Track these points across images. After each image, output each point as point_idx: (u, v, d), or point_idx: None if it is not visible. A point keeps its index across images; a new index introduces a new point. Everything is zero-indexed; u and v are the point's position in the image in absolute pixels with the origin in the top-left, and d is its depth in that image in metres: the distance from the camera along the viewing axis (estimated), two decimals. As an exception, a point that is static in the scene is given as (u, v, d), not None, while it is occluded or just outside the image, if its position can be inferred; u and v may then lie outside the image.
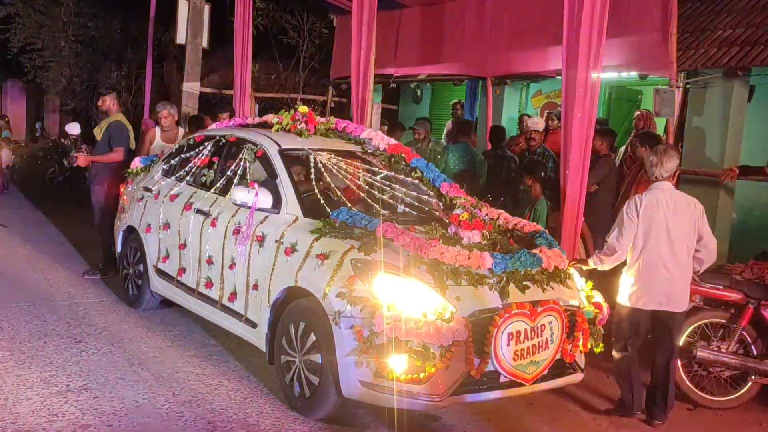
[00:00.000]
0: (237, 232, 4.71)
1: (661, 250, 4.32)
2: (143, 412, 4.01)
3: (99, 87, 15.56)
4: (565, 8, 5.07)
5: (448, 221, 4.49)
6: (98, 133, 6.94)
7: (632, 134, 7.83)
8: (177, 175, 5.73)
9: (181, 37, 10.50)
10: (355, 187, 5.00)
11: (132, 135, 7.03)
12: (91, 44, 14.82)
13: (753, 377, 4.80)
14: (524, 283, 3.94)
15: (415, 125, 8.41)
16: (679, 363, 4.84)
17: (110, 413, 3.96)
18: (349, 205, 4.72)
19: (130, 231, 6.10)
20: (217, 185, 5.21)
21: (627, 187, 6.71)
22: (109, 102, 7.02)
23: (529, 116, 8.30)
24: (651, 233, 4.32)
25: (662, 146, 4.67)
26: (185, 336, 5.37)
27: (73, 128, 7.32)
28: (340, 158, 5.03)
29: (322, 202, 4.61)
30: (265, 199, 4.63)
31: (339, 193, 4.91)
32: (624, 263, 4.47)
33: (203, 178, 5.40)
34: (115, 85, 9.54)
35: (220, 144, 5.50)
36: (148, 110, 11.52)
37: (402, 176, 5.13)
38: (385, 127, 9.38)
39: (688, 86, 7.17)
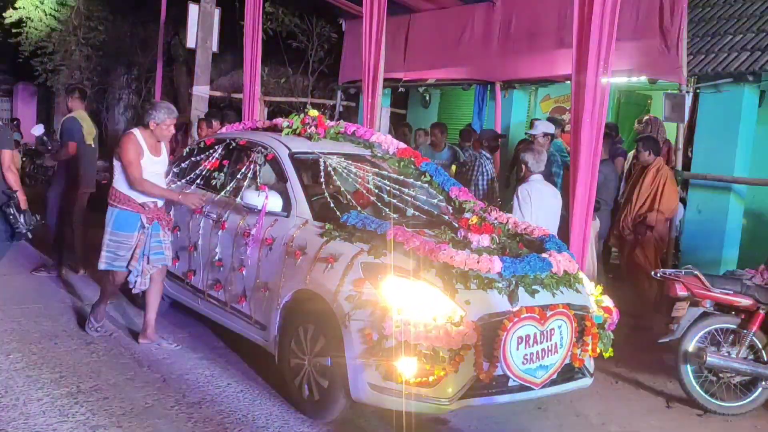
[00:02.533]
0: (247, 234, 4.73)
1: (546, 227, 5.03)
2: (153, 414, 4.03)
3: (110, 90, 15.71)
4: (575, 13, 5.07)
5: (457, 225, 4.49)
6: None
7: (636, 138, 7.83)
8: (187, 178, 5.76)
9: (191, 41, 10.57)
10: (364, 191, 5.01)
11: (89, 129, 6.88)
12: (102, 48, 14.92)
13: (763, 383, 4.77)
14: (533, 287, 3.94)
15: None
16: (688, 368, 4.83)
17: (120, 414, 3.98)
18: (359, 208, 4.74)
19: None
20: (228, 188, 5.23)
21: (630, 190, 6.72)
22: (70, 102, 7.00)
23: (538, 119, 8.32)
24: (540, 214, 5.24)
25: (537, 147, 5.73)
26: (194, 338, 5.39)
27: (37, 129, 7.06)
28: (350, 162, 5.04)
29: (332, 205, 4.62)
30: (275, 202, 4.64)
31: (349, 196, 4.93)
32: None
33: (213, 181, 5.42)
34: (78, 84, 9.52)
35: (231, 147, 5.52)
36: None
37: (411, 180, 5.14)
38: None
39: (698, 91, 7.16)
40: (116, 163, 4.97)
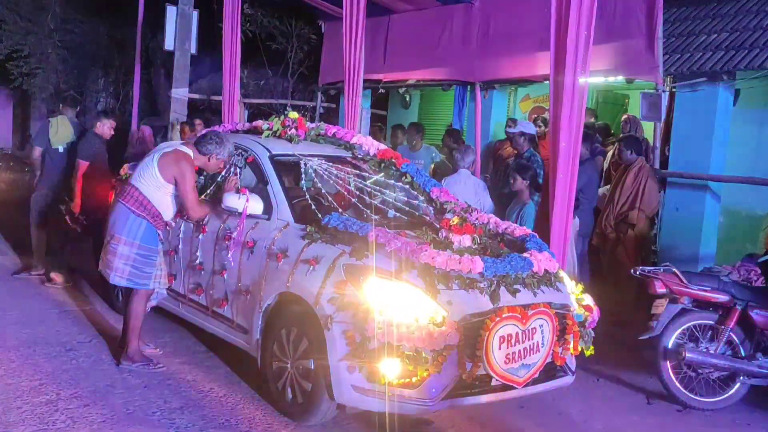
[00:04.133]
0: (228, 238, 4.71)
1: None
2: (134, 420, 3.99)
3: (86, 93, 15.53)
4: (553, 14, 5.11)
5: (438, 226, 4.51)
6: None
7: (618, 138, 7.91)
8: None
9: (169, 43, 10.50)
10: (345, 193, 5.01)
11: (62, 135, 6.96)
12: (78, 50, 14.76)
13: (741, 378, 4.84)
14: (515, 286, 3.96)
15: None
16: (668, 364, 4.89)
17: (101, 421, 3.94)
18: (340, 210, 4.73)
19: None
20: (208, 191, 5.20)
21: (612, 190, 6.78)
22: (62, 107, 7.57)
23: (515, 120, 8.37)
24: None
25: (464, 146, 6.47)
26: (176, 343, 5.35)
27: None
28: (331, 164, 5.04)
29: (313, 207, 4.62)
30: (256, 205, 4.63)
31: (330, 198, 4.92)
32: None
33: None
34: (70, 92, 9.78)
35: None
36: (137, 117, 11.49)
37: (392, 181, 5.15)
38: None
39: (674, 90, 7.25)
40: (158, 176, 4.63)
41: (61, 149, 6.99)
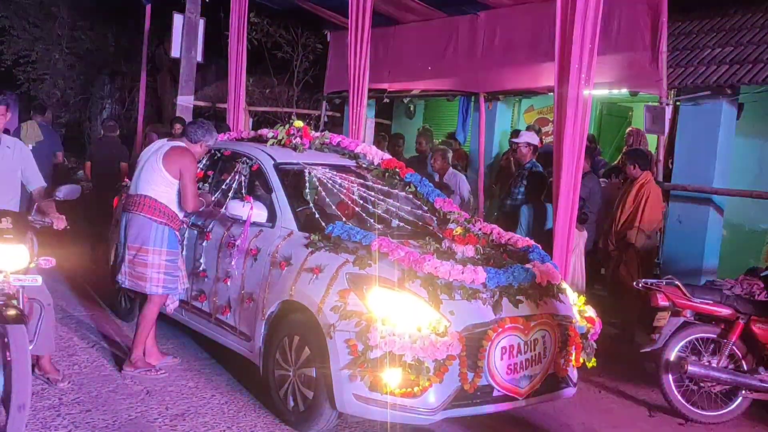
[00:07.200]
0: (231, 245, 4.72)
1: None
2: (136, 426, 4.00)
3: (92, 100, 15.61)
4: (557, 26, 5.14)
5: (441, 236, 4.52)
6: None
7: (623, 151, 7.93)
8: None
9: (175, 51, 10.56)
10: (349, 201, 5.03)
11: (31, 135, 8.06)
12: (85, 57, 14.87)
13: (744, 392, 4.82)
14: (517, 297, 3.97)
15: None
16: (670, 377, 4.88)
17: (102, 427, 3.95)
18: (344, 219, 4.75)
19: (124, 244, 6.08)
20: (212, 199, 5.23)
21: (616, 207, 6.77)
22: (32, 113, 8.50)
23: (520, 130, 8.40)
24: (457, 192, 6.86)
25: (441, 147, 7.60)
26: (178, 349, 5.36)
27: None
28: (335, 172, 5.06)
29: (317, 216, 4.63)
30: (260, 212, 4.65)
31: (334, 207, 4.94)
32: None
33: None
34: (40, 101, 10.59)
35: (215, 158, 5.52)
36: (142, 123, 11.54)
37: (396, 191, 5.17)
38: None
39: (678, 103, 7.27)
40: (166, 175, 4.64)
41: (30, 147, 7.69)
